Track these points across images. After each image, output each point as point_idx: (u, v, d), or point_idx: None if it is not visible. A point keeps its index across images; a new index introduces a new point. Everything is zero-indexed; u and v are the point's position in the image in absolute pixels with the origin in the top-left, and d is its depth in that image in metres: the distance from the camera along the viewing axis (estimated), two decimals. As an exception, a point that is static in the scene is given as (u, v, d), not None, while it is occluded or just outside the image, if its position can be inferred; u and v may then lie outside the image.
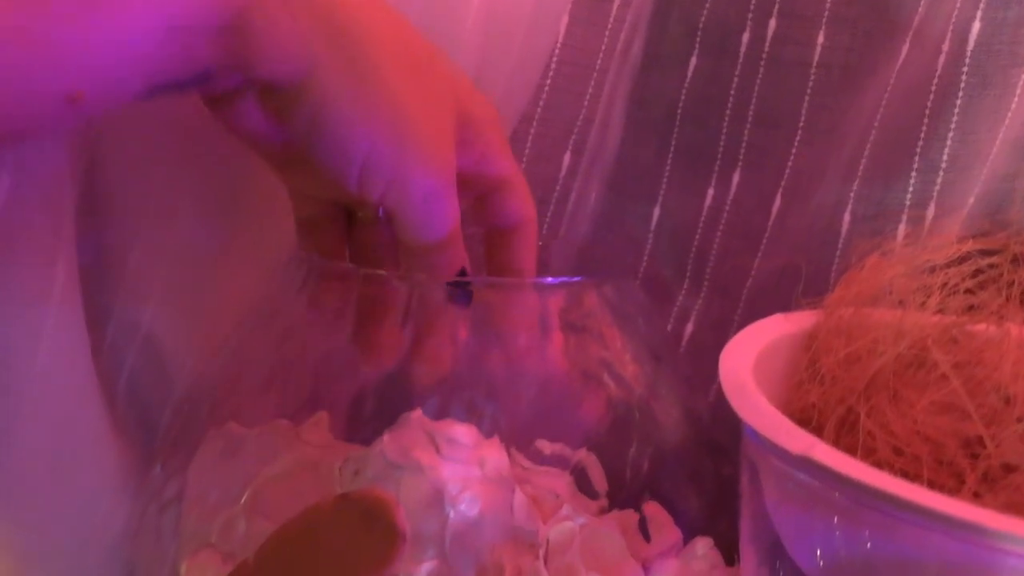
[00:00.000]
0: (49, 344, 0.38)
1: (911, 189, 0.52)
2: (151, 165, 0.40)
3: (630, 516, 0.44)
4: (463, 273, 0.36)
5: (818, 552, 0.31)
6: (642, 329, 0.41)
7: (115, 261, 0.41)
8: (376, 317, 0.37)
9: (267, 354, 0.42)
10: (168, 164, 0.40)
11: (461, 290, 0.36)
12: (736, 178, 0.59)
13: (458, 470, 0.39)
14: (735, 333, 0.59)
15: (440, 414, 0.38)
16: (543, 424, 0.38)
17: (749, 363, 0.34)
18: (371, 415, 0.39)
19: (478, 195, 0.40)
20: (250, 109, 0.32)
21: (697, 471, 0.42)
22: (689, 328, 0.59)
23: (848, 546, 0.28)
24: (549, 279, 0.38)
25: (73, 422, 0.40)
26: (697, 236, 0.60)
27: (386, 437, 0.38)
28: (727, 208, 0.59)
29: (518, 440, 0.38)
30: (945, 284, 0.39)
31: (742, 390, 0.31)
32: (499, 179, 0.40)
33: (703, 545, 0.44)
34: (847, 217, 0.54)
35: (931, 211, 0.51)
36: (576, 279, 0.38)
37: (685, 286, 0.60)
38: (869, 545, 0.27)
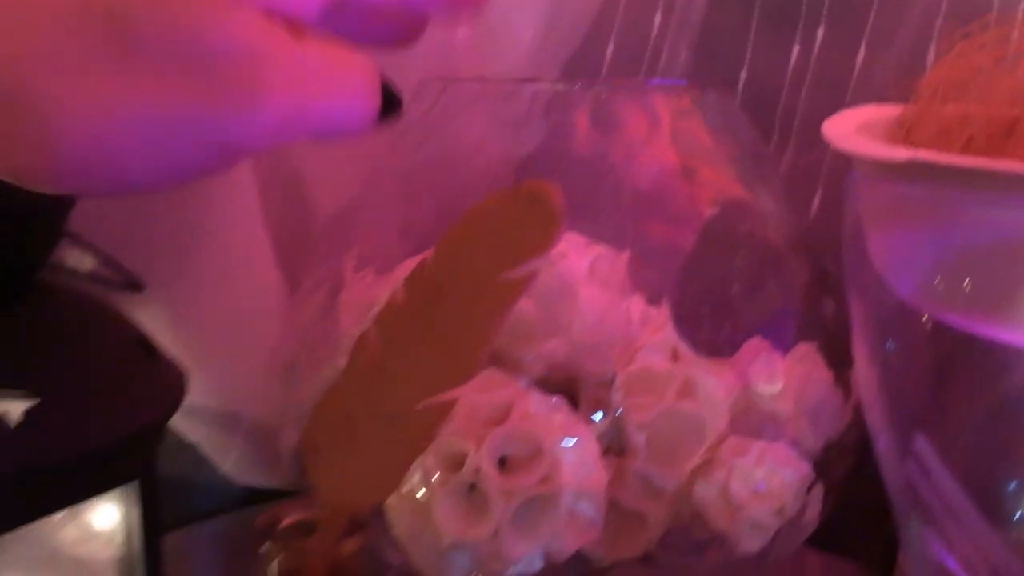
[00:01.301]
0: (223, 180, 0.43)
1: (995, 11, 0.54)
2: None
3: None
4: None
5: (930, 276, 0.33)
6: (744, 132, 0.44)
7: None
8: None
9: (399, 177, 0.46)
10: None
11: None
12: (820, 34, 0.62)
13: (584, 262, 0.42)
14: (823, 184, 0.63)
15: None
16: (656, 212, 0.42)
17: (851, 127, 0.37)
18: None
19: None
20: None
21: (799, 269, 0.45)
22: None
23: (960, 251, 0.31)
24: (656, 80, 0.41)
25: (237, 244, 0.45)
26: (783, 93, 0.62)
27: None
28: (812, 64, 0.62)
29: (634, 227, 0.41)
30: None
31: (846, 135, 0.34)
32: None
33: (805, 349, 0.47)
34: (931, 56, 0.56)
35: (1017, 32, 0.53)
36: (681, 82, 0.41)
37: (774, 141, 0.63)
38: (979, 241, 0.30)
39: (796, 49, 0.62)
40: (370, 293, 0.44)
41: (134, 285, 0.33)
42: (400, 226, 0.46)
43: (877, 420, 0.43)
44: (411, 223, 0.45)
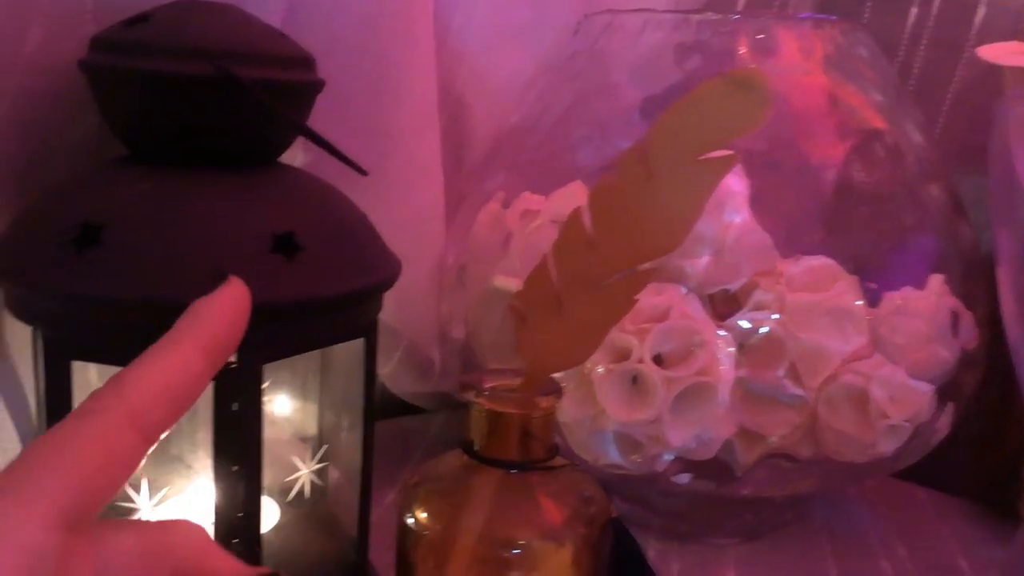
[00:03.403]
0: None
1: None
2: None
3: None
4: None
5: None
6: (886, 68, 0.47)
7: (440, 30, 0.50)
8: None
9: (565, 102, 0.50)
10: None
11: None
12: (939, -4, 0.65)
13: (741, 185, 0.46)
14: (938, 137, 0.65)
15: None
16: (809, 136, 0.45)
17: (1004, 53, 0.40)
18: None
19: None
20: None
21: (937, 196, 0.48)
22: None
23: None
24: (809, 13, 0.45)
25: (421, 156, 0.50)
26: (901, 51, 0.65)
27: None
28: (930, 24, 0.65)
29: (788, 149, 0.45)
30: None
31: (1008, 54, 0.37)
32: None
33: (937, 279, 0.50)
34: (1053, 12, 0.59)
35: None
36: (831, 16, 0.45)
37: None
38: None
39: (914, 11, 0.65)
40: (538, 206, 0.48)
41: (360, 170, 0.37)
42: (565, 147, 0.50)
43: (1018, 334, 0.46)
44: (575, 145, 0.49)
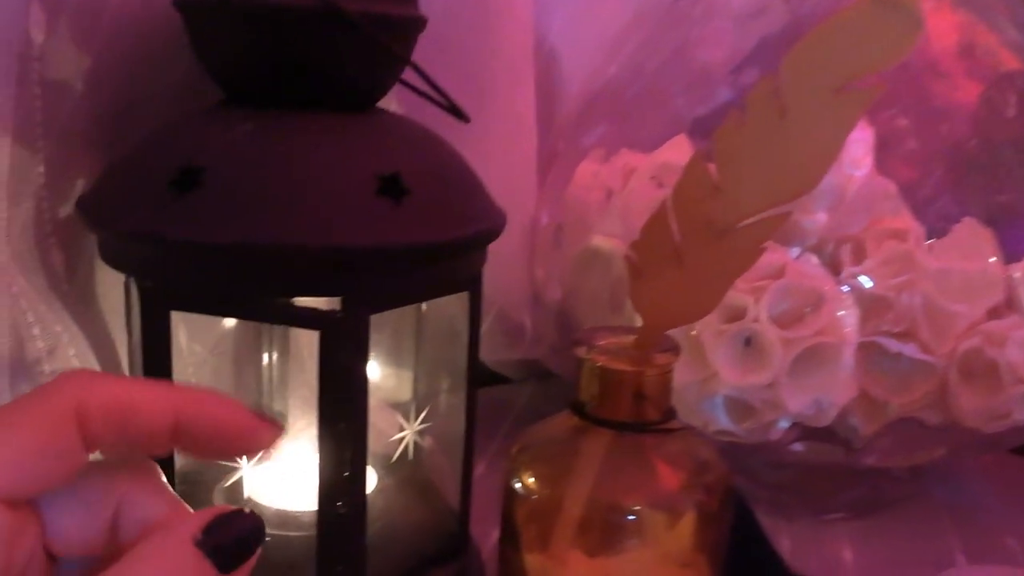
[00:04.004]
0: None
1: None
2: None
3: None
4: None
5: None
6: (1020, 8, 0.44)
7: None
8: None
9: (661, 54, 0.47)
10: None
11: None
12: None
13: (862, 132, 0.43)
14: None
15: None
16: (937, 78, 0.42)
17: None
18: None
19: None
20: None
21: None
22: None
23: None
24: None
25: (517, 108, 0.47)
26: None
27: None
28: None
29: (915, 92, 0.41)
30: None
31: None
32: None
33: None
34: None
35: None
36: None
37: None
38: None
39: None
40: (639, 162, 0.45)
41: (462, 115, 0.35)
42: (667, 99, 0.47)
43: None
44: (678, 96, 0.47)
